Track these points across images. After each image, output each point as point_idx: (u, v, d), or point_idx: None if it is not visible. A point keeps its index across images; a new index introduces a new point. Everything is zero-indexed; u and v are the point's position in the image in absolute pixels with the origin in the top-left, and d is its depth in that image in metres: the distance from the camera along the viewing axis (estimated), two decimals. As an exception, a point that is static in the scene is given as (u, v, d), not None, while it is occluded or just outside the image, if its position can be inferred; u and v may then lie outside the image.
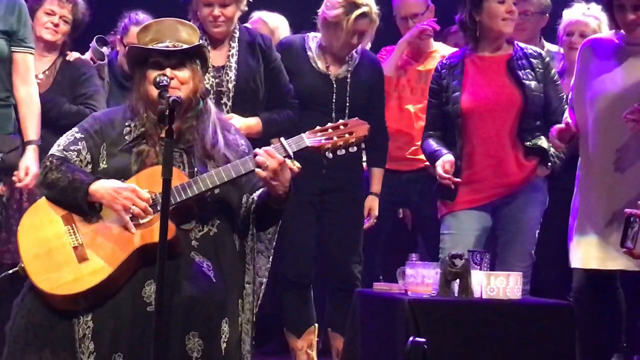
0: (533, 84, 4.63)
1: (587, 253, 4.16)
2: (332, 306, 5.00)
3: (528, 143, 4.62)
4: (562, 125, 4.29)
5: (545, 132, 4.62)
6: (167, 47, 3.61)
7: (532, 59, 4.69)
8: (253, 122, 4.64)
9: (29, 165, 4.45)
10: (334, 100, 4.88)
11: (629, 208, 3.70)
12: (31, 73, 4.55)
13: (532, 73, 4.65)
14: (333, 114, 4.81)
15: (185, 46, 3.62)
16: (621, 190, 4.13)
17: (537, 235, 4.71)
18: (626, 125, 3.98)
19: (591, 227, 4.16)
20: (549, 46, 5.50)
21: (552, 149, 4.61)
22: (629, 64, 4.06)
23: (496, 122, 4.61)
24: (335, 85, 4.89)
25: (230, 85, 4.62)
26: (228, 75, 4.62)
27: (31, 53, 4.53)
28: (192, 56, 3.64)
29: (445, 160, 4.56)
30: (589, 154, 4.18)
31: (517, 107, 4.60)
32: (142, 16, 5.15)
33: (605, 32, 4.72)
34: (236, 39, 4.69)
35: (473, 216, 4.64)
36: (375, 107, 4.97)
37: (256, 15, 5.63)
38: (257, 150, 3.55)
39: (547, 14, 5.50)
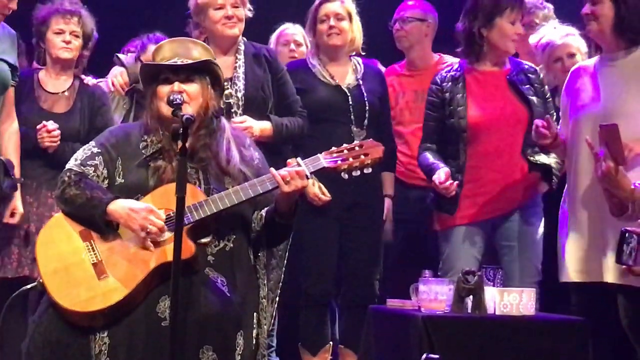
0: (535, 99, 4.64)
1: (577, 267, 4.10)
2: (347, 322, 4.97)
3: (532, 158, 4.62)
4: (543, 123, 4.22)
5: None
6: (175, 62, 3.64)
7: (529, 74, 4.71)
8: (267, 126, 4.65)
9: (16, 205, 4.50)
10: (351, 110, 4.89)
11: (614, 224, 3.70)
12: (14, 106, 4.53)
13: (532, 88, 4.67)
14: (353, 124, 4.85)
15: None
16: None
17: (541, 251, 4.66)
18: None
19: (579, 241, 4.10)
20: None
21: (554, 165, 4.61)
22: (605, 82, 4.06)
23: (502, 137, 4.61)
24: (349, 95, 4.91)
25: (240, 95, 4.64)
26: (236, 85, 4.65)
27: (14, 86, 4.52)
28: (201, 72, 3.67)
29: (442, 172, 4.54)
30: (576, 172, 4.14)
31: (523, 123, 4.61)
32: (160, 36, 5.15)
33: (583, 44, 4.79)
34: (242, 52, 4.73)
35: (473, 231, 4.63)
36: (384, 114, 5.02)
37: None
38: (279, 172, 3.56)
39: None
